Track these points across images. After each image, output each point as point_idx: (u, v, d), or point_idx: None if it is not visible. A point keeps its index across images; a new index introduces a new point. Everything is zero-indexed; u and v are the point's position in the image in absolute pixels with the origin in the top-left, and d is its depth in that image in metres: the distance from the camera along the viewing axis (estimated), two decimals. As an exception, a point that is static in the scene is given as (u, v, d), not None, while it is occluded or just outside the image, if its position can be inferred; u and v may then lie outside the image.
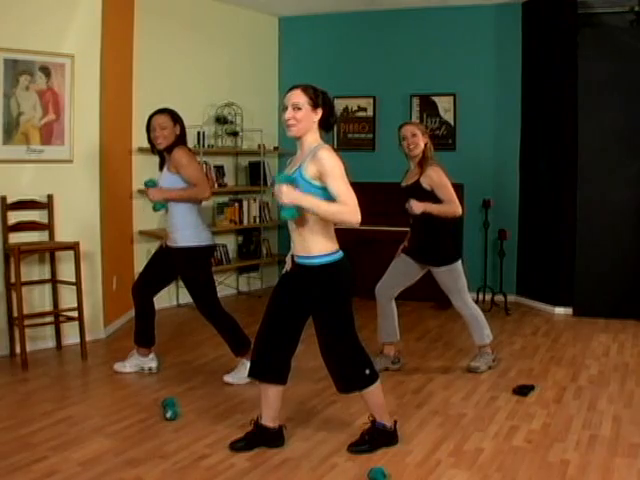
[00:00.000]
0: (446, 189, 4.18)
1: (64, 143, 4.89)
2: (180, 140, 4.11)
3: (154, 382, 4.25)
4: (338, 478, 2.98)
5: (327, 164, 2.90)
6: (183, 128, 4.15)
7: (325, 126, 3.05)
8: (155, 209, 4.14)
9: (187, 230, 4.09)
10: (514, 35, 6.50)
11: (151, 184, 4.09)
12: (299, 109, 2.95)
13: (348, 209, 2.86)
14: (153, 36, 6.05)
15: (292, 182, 2.91)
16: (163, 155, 4.19)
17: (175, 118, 4.11)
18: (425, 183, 4.20)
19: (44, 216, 4.83)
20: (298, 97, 2.97)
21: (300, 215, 2.93)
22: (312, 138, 3.01)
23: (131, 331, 4.45)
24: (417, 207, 4.14)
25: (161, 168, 4.22)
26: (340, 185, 2.89)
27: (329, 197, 2.92)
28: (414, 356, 4.84)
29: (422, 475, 3.00)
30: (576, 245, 6.02)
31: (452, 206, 4.17)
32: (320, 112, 3.00)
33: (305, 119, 2.96)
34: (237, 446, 3.25)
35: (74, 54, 4.86)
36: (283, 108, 3.01)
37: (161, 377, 4.33)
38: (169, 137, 4.07)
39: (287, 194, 2.86)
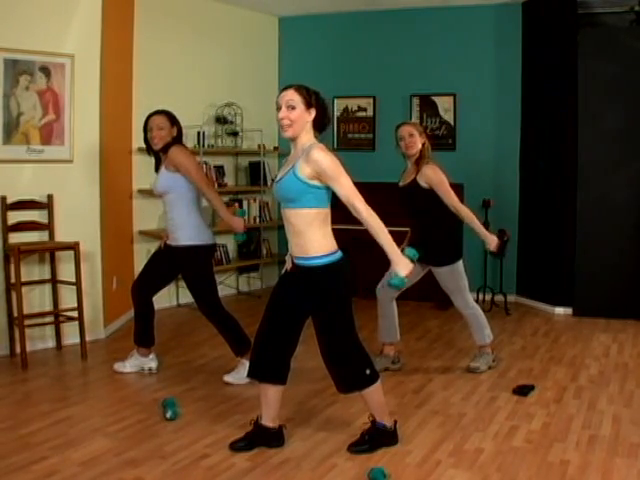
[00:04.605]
0: (444, 186, 4.18)
1: (64, 143, 4.89)
2: (176, 142, 4.11)
3: (154, 382, 4.25)
4: (338, 478, 2.98)
5: (324, 165, 2.89)
6: (180, 130, 4.15)
7: (319, 127, 3.02)
8: (240, 239, 4.49)
9: (188, 229, 4.09)
10: (514, 35, 6.50)
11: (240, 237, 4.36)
12: (293, 109, 2.94)
13: (366, 211, 2.93)
14: (153, 36, 6.05)
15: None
16: (158, 156, 4.19)
17: (173, 120, 4.12)
18: (422, 181, 4.21)
19: (44, 216, 4.83)
20: (292, 97, 2.95)
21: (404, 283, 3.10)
22: (305, 138, 3.00)
23: (131, 331, 4.45)
24: (494, 243, 4.26)
25: (157, 169, 4.22)
26: (342, 183, 2.91)
27: (330, 194, 2.97)
28: (414, 356, 4.84)
29: (422, 475, 3.00)
30: (576, 245, 6.02)
31: (463, 209, 4.19)
32: (314, 112, 2.98)
33: (299, 119, 2.95)
34: (237, 446, 3.25)
35: (74, 54, 4.86)
36: (277, 108, 2.99)
37: (161, 377, 4.33)
38: (165, 138, 4.07)
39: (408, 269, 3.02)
